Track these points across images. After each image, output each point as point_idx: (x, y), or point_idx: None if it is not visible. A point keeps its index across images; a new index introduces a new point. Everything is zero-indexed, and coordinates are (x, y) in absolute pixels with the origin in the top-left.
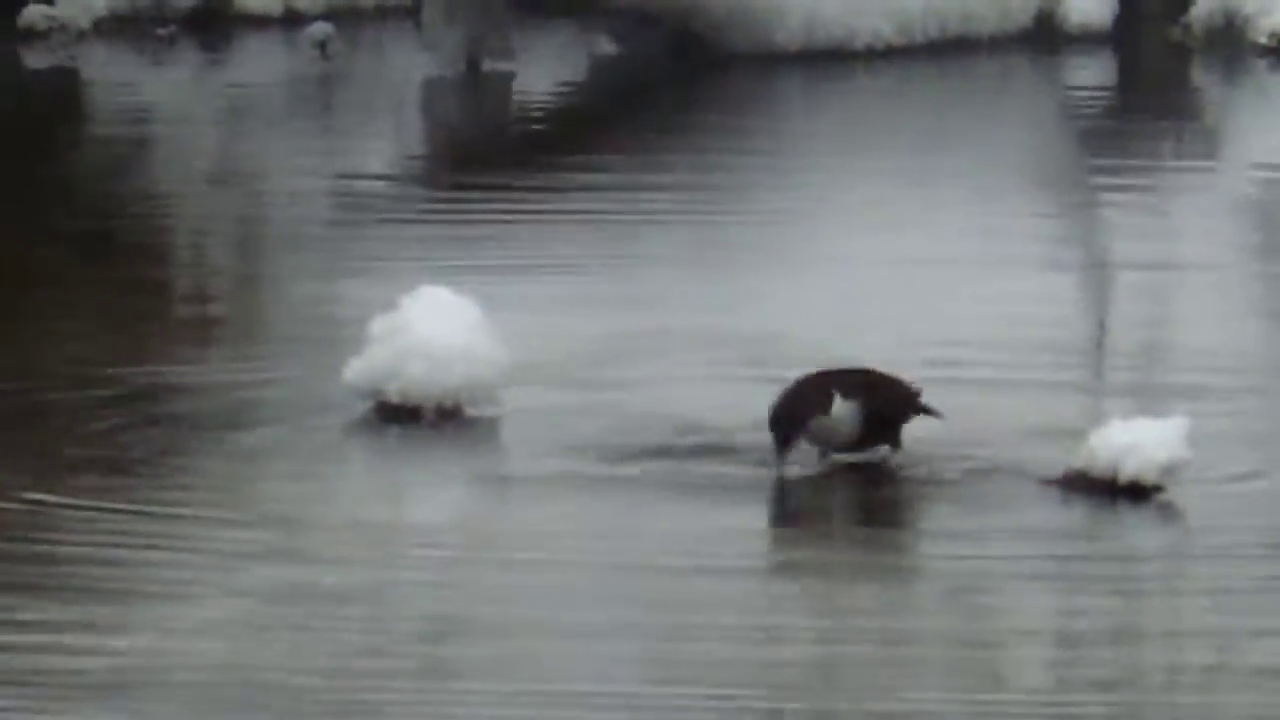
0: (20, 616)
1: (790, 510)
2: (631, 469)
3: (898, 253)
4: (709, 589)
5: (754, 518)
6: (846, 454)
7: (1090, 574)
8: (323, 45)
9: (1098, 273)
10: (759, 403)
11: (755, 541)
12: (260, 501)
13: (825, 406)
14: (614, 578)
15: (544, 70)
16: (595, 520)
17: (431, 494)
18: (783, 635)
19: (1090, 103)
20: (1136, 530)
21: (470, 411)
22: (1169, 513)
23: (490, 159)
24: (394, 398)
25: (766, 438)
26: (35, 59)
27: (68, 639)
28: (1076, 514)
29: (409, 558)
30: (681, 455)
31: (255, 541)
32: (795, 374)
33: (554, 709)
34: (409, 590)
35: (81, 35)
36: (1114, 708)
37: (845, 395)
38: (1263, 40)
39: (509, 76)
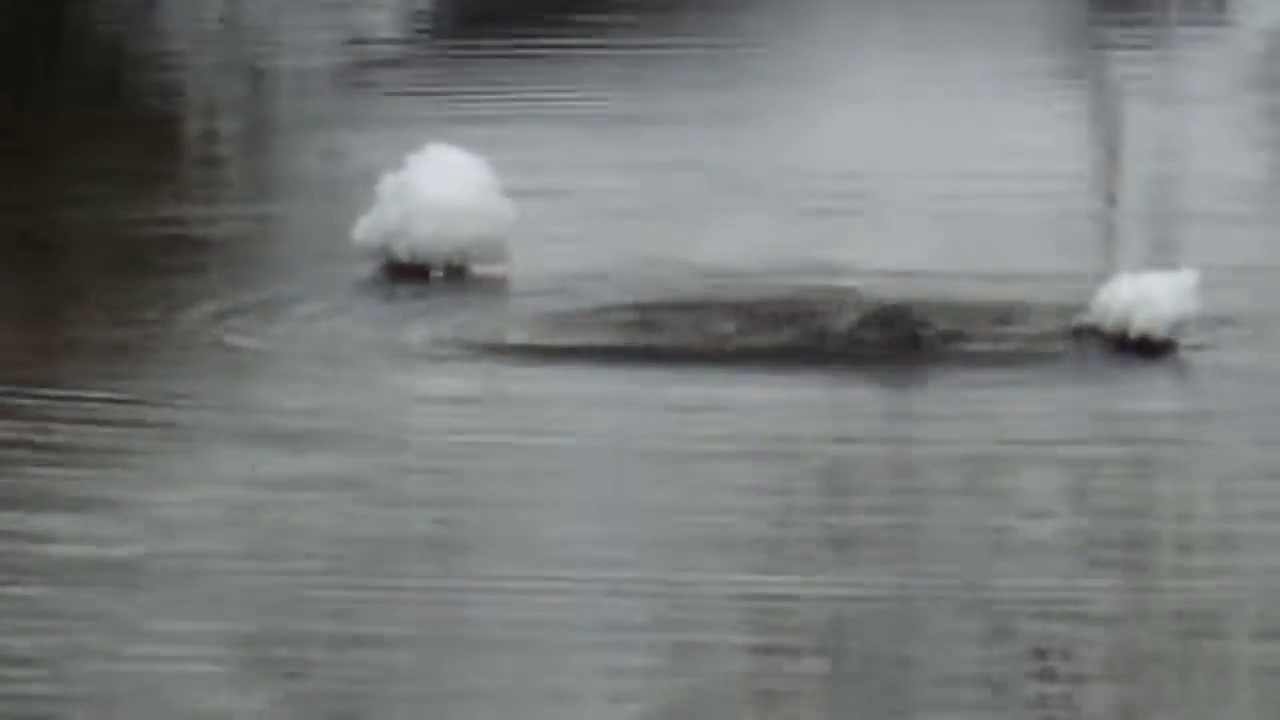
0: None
1: (806, 382)
2: (647, 335)
3: (912, 93)
4: (718, 470)
5: (769, 388)
6: None
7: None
8: None
9: (1106, 129)
10: (774, 250)
11: (764, 419)
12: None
13: None
14: (621, 458)
15: None
16: (603, 392)
17: (438, 365)
18: (792, 517)
19: None
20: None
21: (478, 270)
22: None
23: (501, 17)
24: (402, 256)
25: (784, 289)
26: None
27: (54, 524)
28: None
29: (415, 434)
30: (698, 316)
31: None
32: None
33: (569, 594)
34: (414, 472)
35: None
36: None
37: None
38: None
39: None
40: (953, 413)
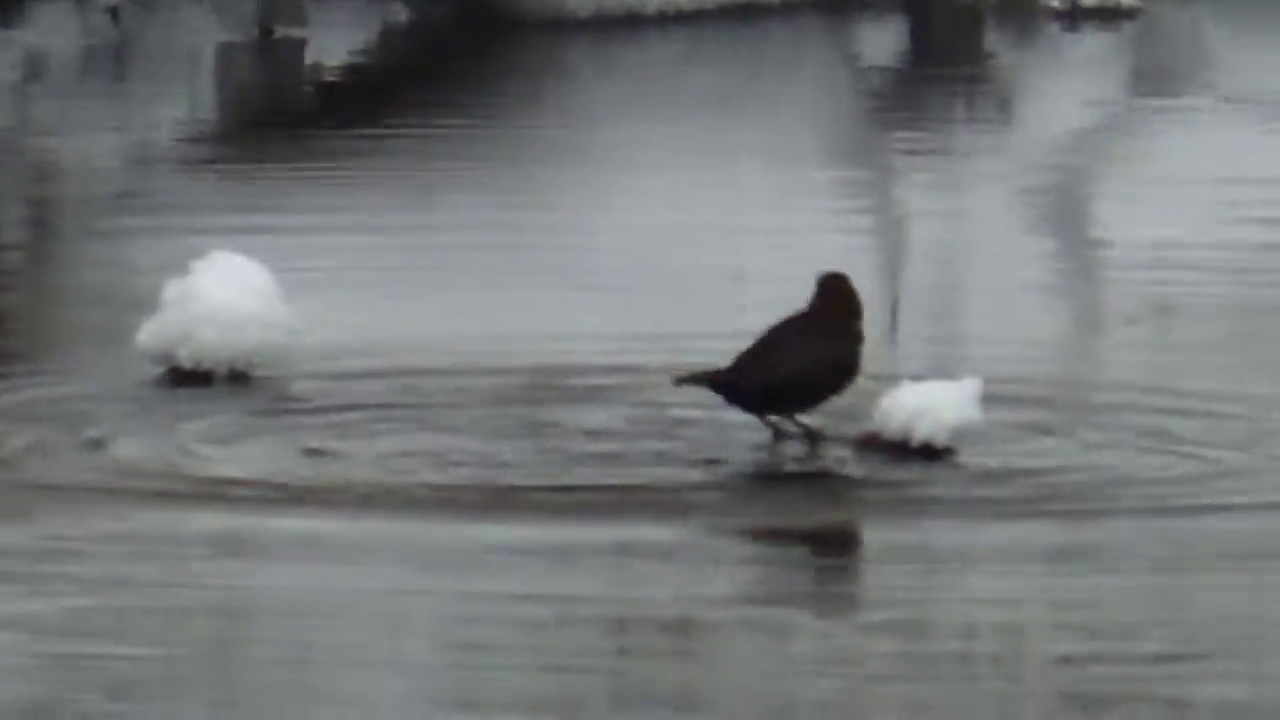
0: None
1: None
2: (428, 437)
3: (693, 218)
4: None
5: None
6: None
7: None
8: (114, 11)
9: (889, 239)
10: (557, 380)
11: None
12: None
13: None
14: (401, 573)
15: (336, 36)
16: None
17: (220, 456)
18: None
19: (882, 68)
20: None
21: (261, 375)
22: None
23: (282, 125)
24: (186, 363)
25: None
26: None
27: None
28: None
29: (191, 553)
30: (476, 421)
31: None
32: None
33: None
34: (193, 594)
35: None
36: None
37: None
38: (1054, 4)
39: (301, 42)
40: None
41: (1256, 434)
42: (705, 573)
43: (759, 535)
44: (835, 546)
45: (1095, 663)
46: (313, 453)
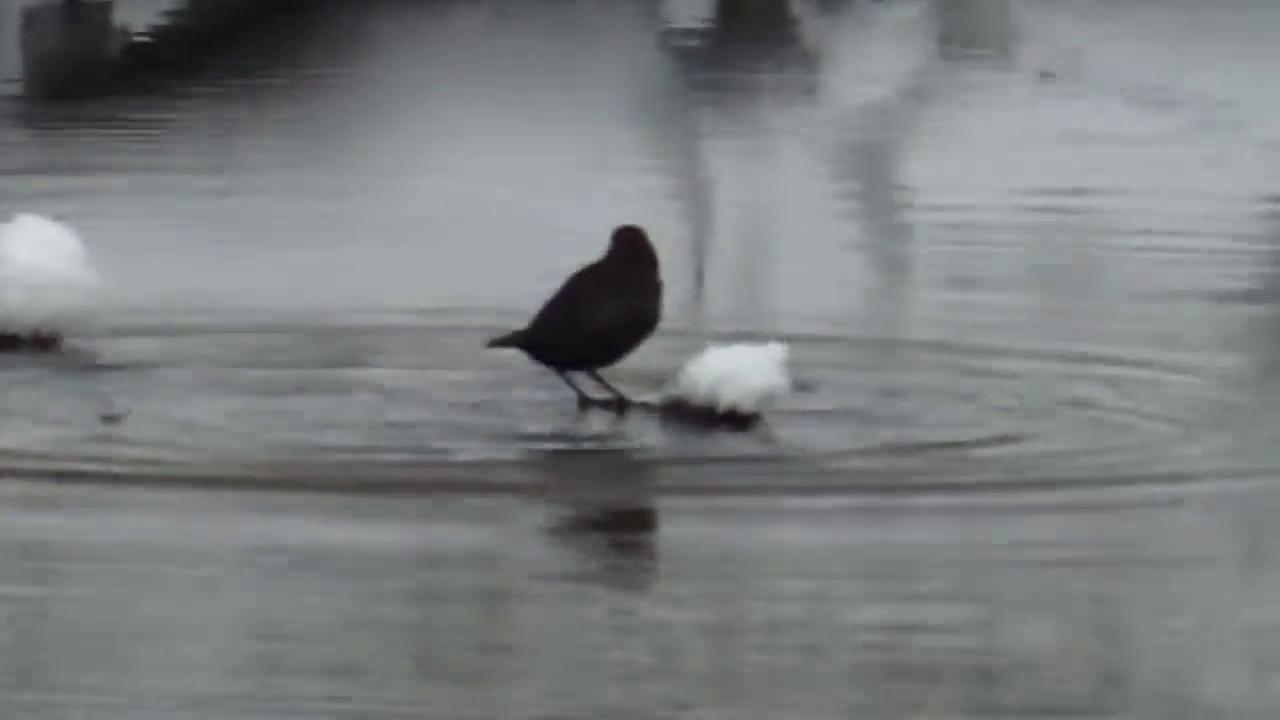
0: None
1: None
2: (232, 400)
3: (500, 182)
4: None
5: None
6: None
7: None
8: None
9: (697, 203)
10: (364, 337)
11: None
12: None
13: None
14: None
15: (144, 1)
16: (190, 453)
17: (27, 430)
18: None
19: (690, 36)
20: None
21: (68, 341)
22: (764, 440)
23: (88, 89)
24: None
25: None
26: None
27: None
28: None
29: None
30: (278, 382)
31: None
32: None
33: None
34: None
35: None
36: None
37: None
38: None
39: (108, 6)
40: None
41: (1038, 396)
42: (506, 550)
43: (561, 511)
44: (635, 522)
45: (900, 631)
46: (110, 419)
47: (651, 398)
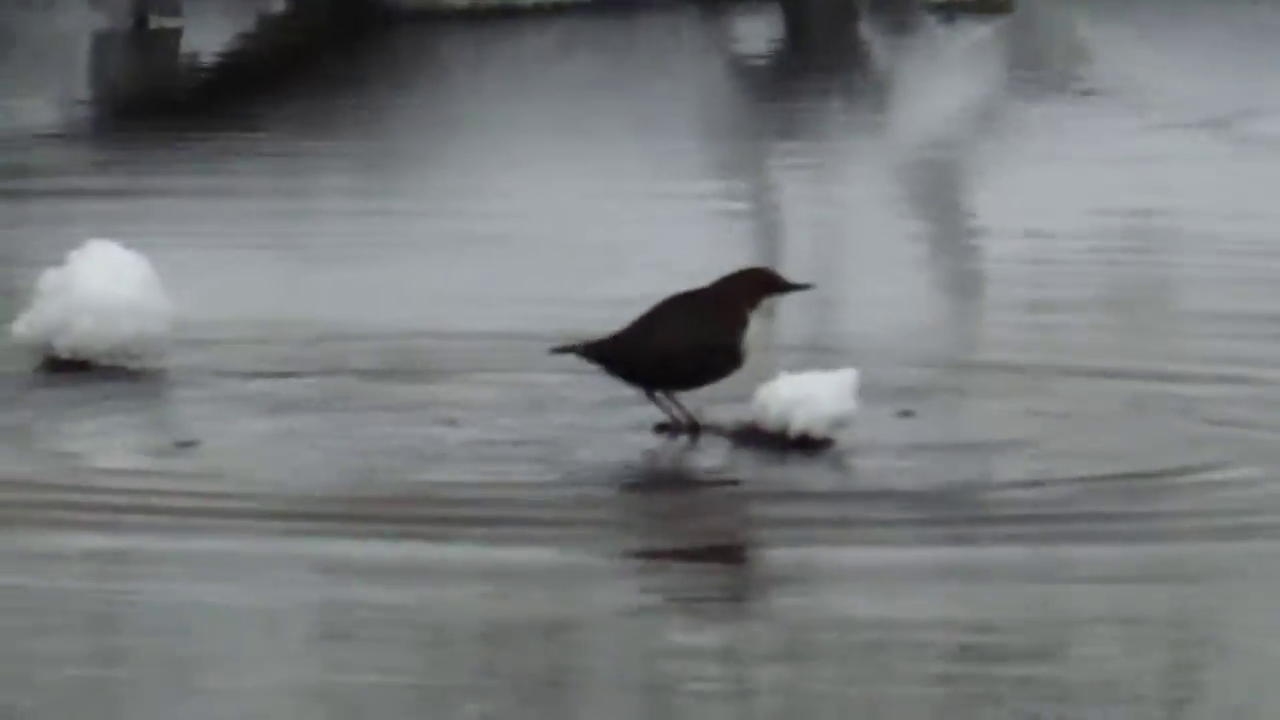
0: None
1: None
2: (299, 420)
3: (571, 203)
4: (375, 553)
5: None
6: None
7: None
8: None
9: (766, 232)
10: (434, 354)
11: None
12: None
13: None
14: (285, 544)
15: (212, 26)
16: (265, 481)
17: (102, 457)
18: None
19: (758, 59)
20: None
21: (139, 366)
22: (838, 465)
23: (159, 115)
24: (63, 353)
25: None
26: None
27: None
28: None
29: (80, 527)
30: (352, 402)
31: None
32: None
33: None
34: (77, 576)
35: None
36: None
37: None
38: None
39: (177, 32)
40: None
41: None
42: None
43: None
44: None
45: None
46: (184, 445)
47: (723, 421)
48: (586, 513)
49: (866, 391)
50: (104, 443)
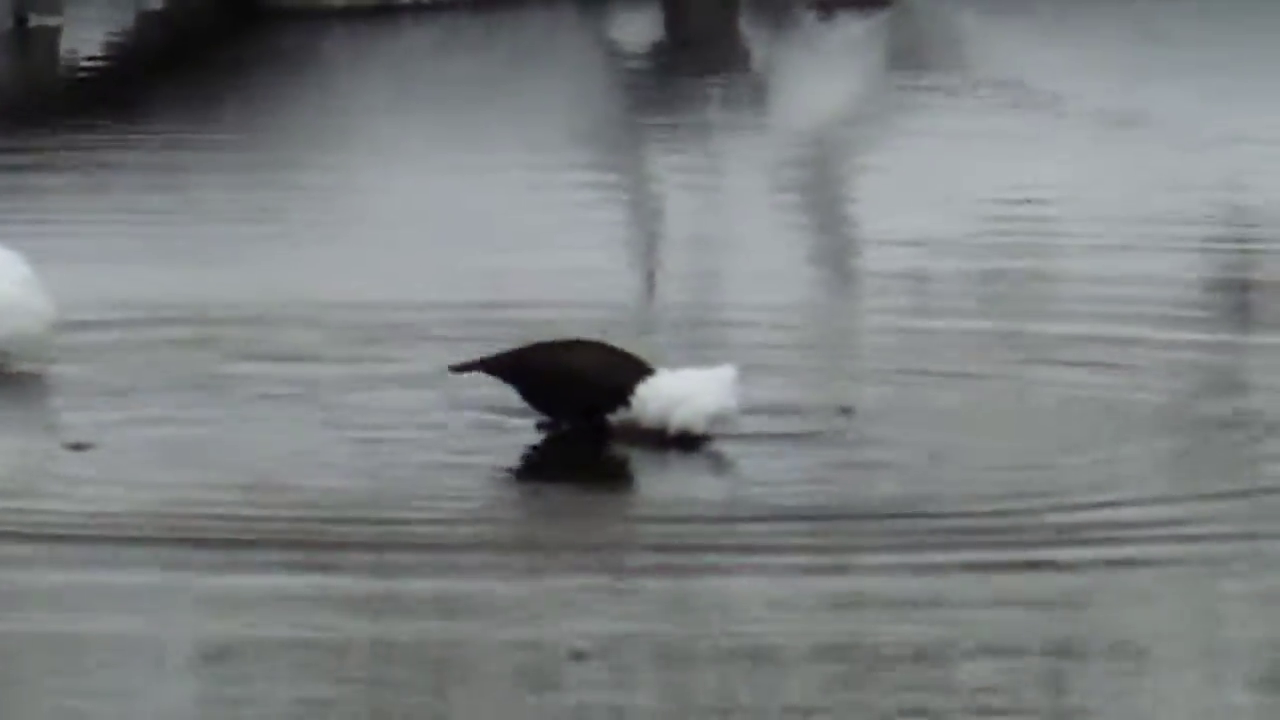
0: None
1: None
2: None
3: (448, 205)
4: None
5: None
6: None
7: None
8: None
9: (645, 227)
10: (316, 344)
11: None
12: None
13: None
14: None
15: (92, 23)
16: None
17: None
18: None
19: (638, 56)
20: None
21: (17, 367)
22: (718, 462)
23: (37, 114)
24: None
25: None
26: None
27: None
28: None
29: None
30: (236, 399)
31: None
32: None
33: None
34: None
35: None
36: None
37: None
38: None
39: (57, 30)
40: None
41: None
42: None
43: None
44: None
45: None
46: (76, 447)
47: (603, 419)
48: (469, 531)
49: (745, 390)
50: None
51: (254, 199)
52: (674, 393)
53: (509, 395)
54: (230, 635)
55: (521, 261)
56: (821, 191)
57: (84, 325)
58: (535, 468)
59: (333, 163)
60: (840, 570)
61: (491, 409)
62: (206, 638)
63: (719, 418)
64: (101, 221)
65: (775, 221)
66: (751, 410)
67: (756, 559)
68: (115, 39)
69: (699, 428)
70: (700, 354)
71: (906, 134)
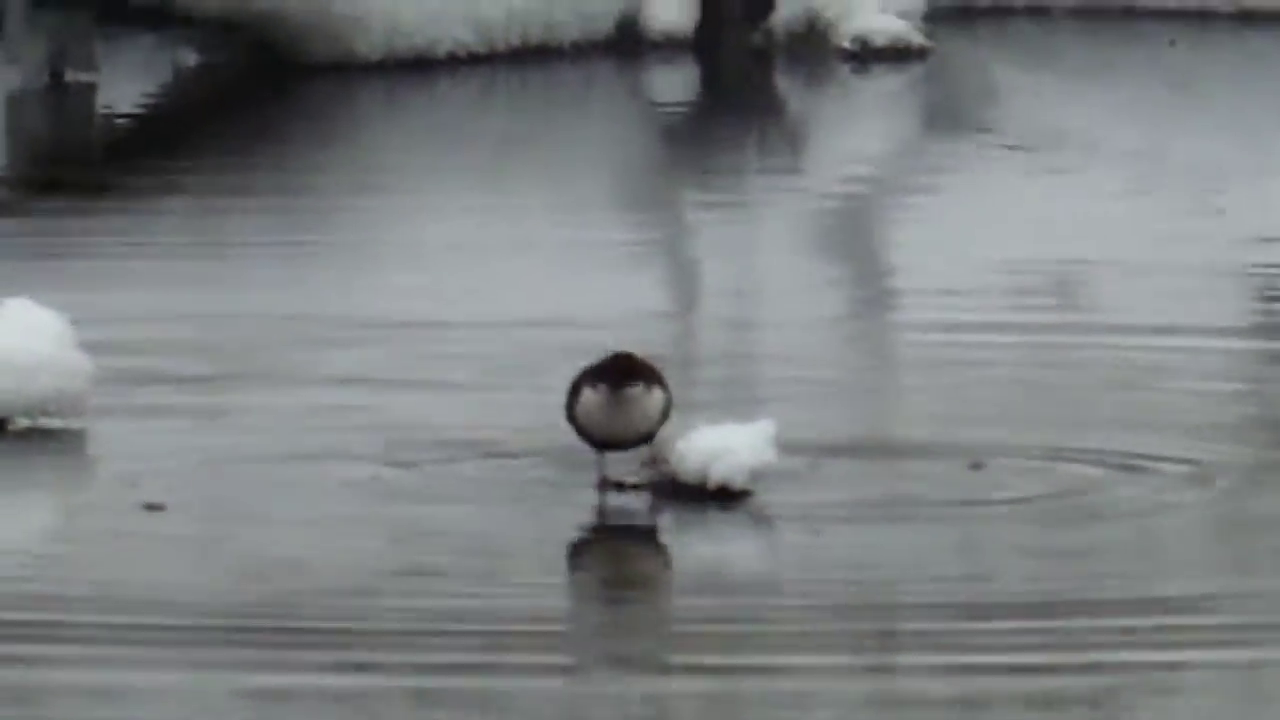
0: None
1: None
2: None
3: (483, 261)
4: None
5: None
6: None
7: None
8: None
9: (682, 280)
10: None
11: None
12: None
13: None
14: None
15: (128, 81)
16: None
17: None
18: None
19: (674, 108)
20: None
21: (58, 423)
22: (758, 516)
23: (75, 171)
24: None
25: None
26: None
27: None
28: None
29: None
30: (271, 461)
31: None
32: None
33: None
34: None
35: None
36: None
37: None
38: (845, 44)
39: (92, 87)
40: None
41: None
42: None
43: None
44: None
45: None
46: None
47: (640, 475)
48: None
49: (784, 445)
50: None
51: (288, 253)
52: (713, 447)
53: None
54: None
55: (556, 311)
56: (856, 242)
57: (122, 384)
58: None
59: (366, 217)
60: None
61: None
62: None
63: (759, 473)
64: (139, 279)
65: (810, 272)
66: (790, 454)
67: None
68: (151, 94)
69: (738, 482)
70: (737, 405)
71: (941, 185)
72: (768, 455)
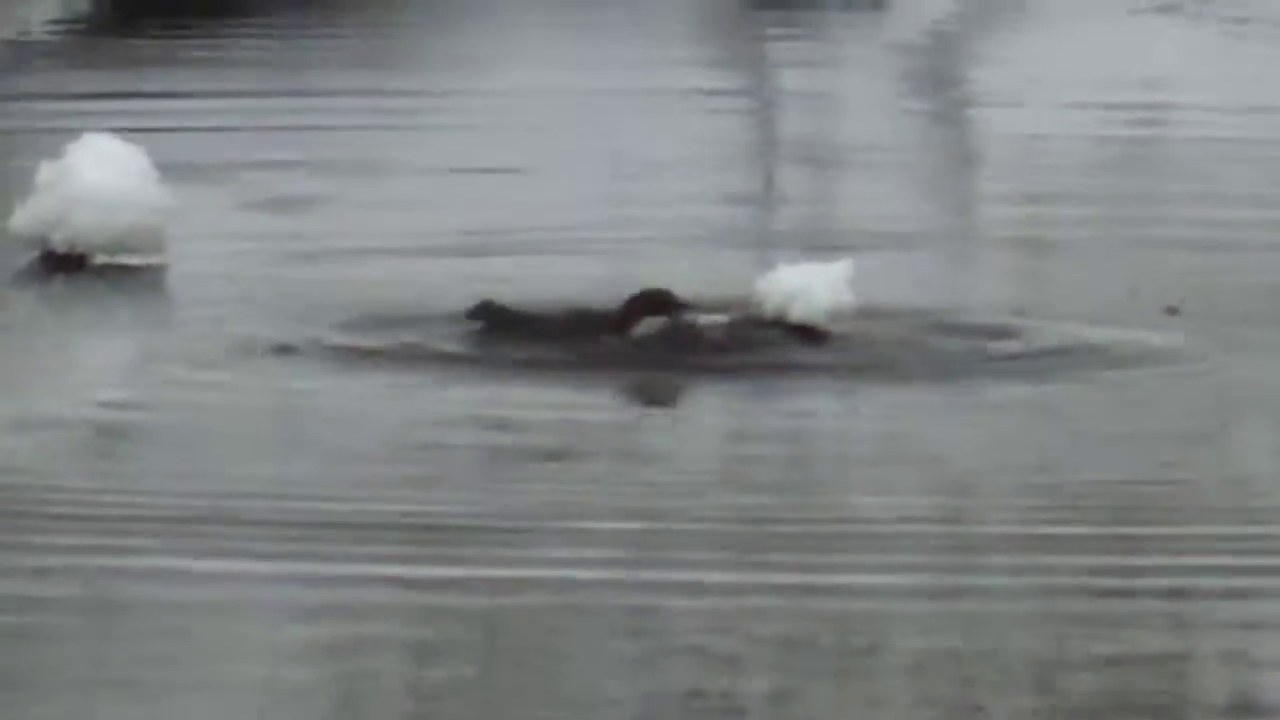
0: None
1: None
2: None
3: (567, 98)
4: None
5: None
6: None
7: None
8: None
9: (764, 117)
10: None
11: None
12: None
13: None
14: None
15: None
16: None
17: (96, 351)
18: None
19: None
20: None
21: (137, 259)
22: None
23: (154, 12)
24: (60, 246)
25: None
26: None
27: None
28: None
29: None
30: (329, 324)
31: None
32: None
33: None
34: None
35: None
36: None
37: None
38: None
39: None
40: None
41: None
42: None
43: None
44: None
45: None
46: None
47: (719, 316)
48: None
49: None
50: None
51: (371, 103)
52: (791, 286)
53: None
54: None
55: (637, 155)
56: (941, 86)
57: (201, 223)
58: None
59: (446, 52)
60: None
61: None
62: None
63: (836, 313)
64: (220, 116)
65: (895, 118)
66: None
67: None
68: None
69: (817, 321)
70: (817, 251)
71: (1026, 28)
72: (846, 295)
